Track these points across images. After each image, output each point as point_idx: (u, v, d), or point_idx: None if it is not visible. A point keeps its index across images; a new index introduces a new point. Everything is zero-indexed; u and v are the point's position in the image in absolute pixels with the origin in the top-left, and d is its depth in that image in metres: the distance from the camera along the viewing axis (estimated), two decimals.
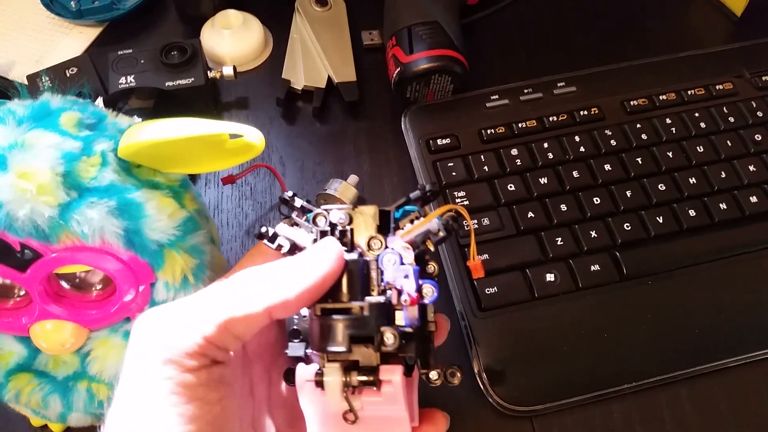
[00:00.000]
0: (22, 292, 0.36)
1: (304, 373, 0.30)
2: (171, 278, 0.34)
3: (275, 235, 0.32)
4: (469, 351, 0.43)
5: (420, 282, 0.30)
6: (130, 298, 0.34)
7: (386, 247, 0.31)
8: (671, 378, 0.42)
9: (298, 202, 0.33)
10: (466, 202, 0.47)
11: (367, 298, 0.29)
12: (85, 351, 0.36)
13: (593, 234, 0.46)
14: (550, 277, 0.44)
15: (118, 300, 0.34)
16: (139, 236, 0.32)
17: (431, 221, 0.31)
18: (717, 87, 0.53)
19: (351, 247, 0.31)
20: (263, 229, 0.32)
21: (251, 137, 0.33)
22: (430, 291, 0.31)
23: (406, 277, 0.30)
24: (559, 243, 0.45)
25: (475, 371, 0.42)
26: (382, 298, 0.29)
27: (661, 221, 0.46)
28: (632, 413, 0.42)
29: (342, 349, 0.28)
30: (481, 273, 0.34)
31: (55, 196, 0.31)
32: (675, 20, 0.62)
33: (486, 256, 0.45)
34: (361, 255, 0.31)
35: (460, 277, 0.44)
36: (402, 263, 0.30)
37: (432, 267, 0.33)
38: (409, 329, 0.29)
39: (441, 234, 0.31)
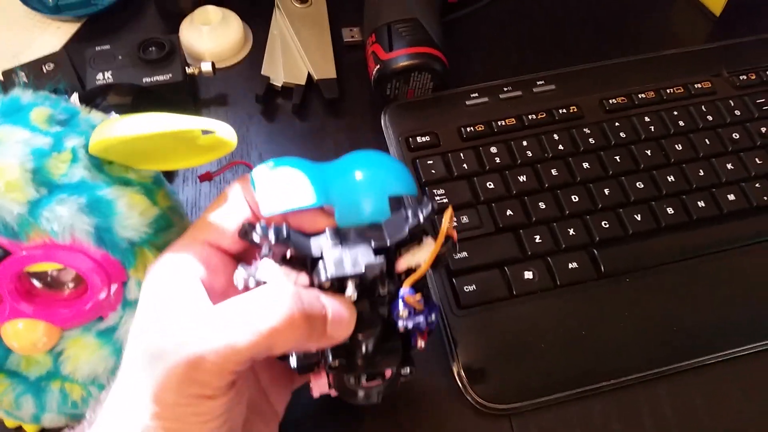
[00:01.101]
0: None
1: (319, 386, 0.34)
2: (143, 276, 0.33)
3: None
4: (448, 349, 0.42)
5: (432, 318, 0.31)
6: (102, 296, 0.34)
7: (395, 297, 0.30)
8: (649, 375, 0.42)
9: (271, 236, 0.29)
10: (446, 200, 0.47)
11: (391, 356, 0.32)
12: (58, 350, 0.36)
13: (571, 232, 0.46)
14: (528, 274, 0.44)
15: (91, 298, 0.34)
16: (110, 234, 0.32)
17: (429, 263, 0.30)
18: (696, 86, 0.53)
19: (360, 293, 0.30)
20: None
21: (223, 133, 0.32)
22: (434, 319, 0.31)
23: (419, 323, 0.31)
24: (537, 241, 0.45)
25: (454, 370, 0.42)
26: (399, 347, 0.32)
27: (639, 219, 0.46)
28: (610, 410, 0.42)
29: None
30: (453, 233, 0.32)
31: (24, 193, 0.30)
32: (654, 19, 0.62)
33: (465, 254, 0.45)
34: (373, 305, 0.31)
35: (439, 275, 0.44)
36: (412, 315, 0.31)
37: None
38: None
39: (441, 265, 0.32)
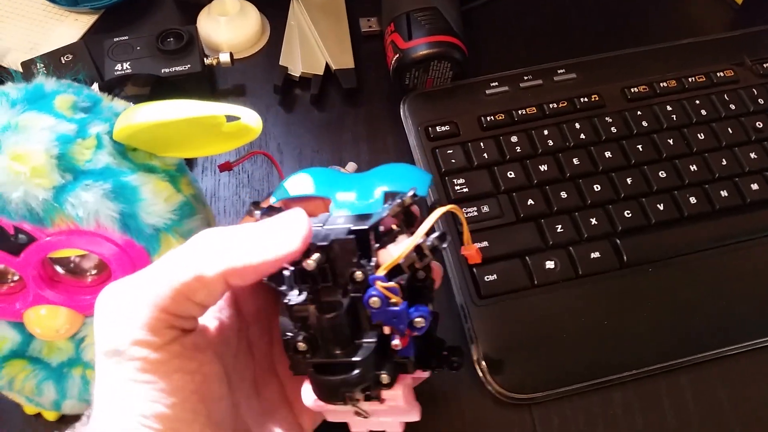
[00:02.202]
0: (16, 277, 0.35)
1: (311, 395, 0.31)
2: None
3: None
4: (468, 339, 0.42)
5: (412, 315, 0.29)
6: None
7: (369, 285, 0.29)
8: (671, 366, 0.41)
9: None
10: (466, 190, 0.47)
11: (360, 351, 0.29)
12: (80, 337, 0.36)
13: (593, 221, 0.45)
14: (549, 264, 0.44)
15: None
16: (135, 220, 0.32)
17: (412, 252, 0.29)
18: (718, 74, 0.53)
19: (334, 282, 0.29)
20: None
21: (248, 119, 0.32)
22: (421, 321, 0.29)
23: (395, 318, 0.29)
24: (559, 230, 0.45)
25: (474, 359, 0.41)
26: (372, 344, 0.29)
27: (661, 208, 0.46)
28: (632, 401, 0.41)
29: (342, 406, 0.30)
30: (477, 259, 0.34)
31: (50, 179, 0.30)
32: (676, 7, 0.61)
33: (485, 243, 0.44)
34: (345, 294, 0.29)
35: (459, 265, 0.44)
36: (388, 306, 0.28)
37: (422, 273, 0.30)
38: (404, 358, 0.29)
39: (427, 260, 0.29)
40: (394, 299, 0.28)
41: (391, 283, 0.28)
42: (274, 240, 0.28)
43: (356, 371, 0.29)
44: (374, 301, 0.28)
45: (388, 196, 0.32)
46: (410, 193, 0.31)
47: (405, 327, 0.29)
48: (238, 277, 0.27)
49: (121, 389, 0.26)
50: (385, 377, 0.29)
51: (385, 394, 0.30)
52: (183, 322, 0.27)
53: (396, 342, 0.29)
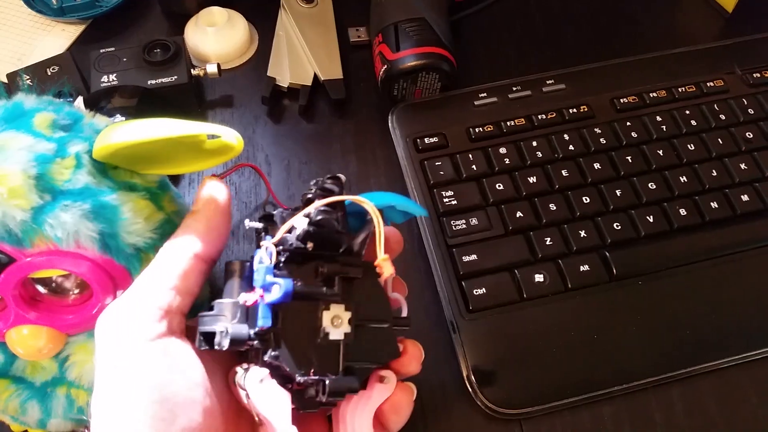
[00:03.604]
0: None
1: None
2: None
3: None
4: (457, 353, 0.42)
5: (272, 281, 0.29)
6: (108, 302, 0.33)
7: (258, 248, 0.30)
8: (662, 379, 0.41)
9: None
10: (454, 202, 0.46)
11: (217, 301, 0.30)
12: (63, 356, 0.36)
13: (582, 234, 0.45)
14: (539, 277, 0.44)
15: (96, 304, 0.33)
16: (115, 240, 0.32)
17: (297, 217, 0.30)
18: (708, 84, 0.52)
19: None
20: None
21: (228, 138, 0.32)
22: (276, 290, 0.28)
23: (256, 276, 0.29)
24: (548, 243, 0.45)
25: (464, 373, 0.41)
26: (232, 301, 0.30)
27: (651, 220, 0.46)
28: (622, 415, 0.41)
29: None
30: (390, 272, 0.31)
31: (28, 200, 0.30)
32: (665, 17, 0.61)
33: (474, 256, 0.44)
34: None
35: (448, 278, 0.44)
36: (260, 263, 0.29)
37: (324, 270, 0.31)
38: (256, 330, 0.29)
39: (306, 229, 0.30)
40: (265, 259, 0.29)
41: (269, 245, 0.30)
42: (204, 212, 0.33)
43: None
44: (256, 258, 0.30)
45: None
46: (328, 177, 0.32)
47: (258, 286, 0.29)
48: (208, 247, 0.32)
49: (118, 386, 0.28)
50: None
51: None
52: (172, 316, 0.30)
53: (246, 297, 0.29)
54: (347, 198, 0.31)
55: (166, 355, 0.29)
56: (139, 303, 0.29)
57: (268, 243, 0.30)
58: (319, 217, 0.30)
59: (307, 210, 0.30)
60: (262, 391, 0.29)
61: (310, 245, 0.30)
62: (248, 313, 0.30)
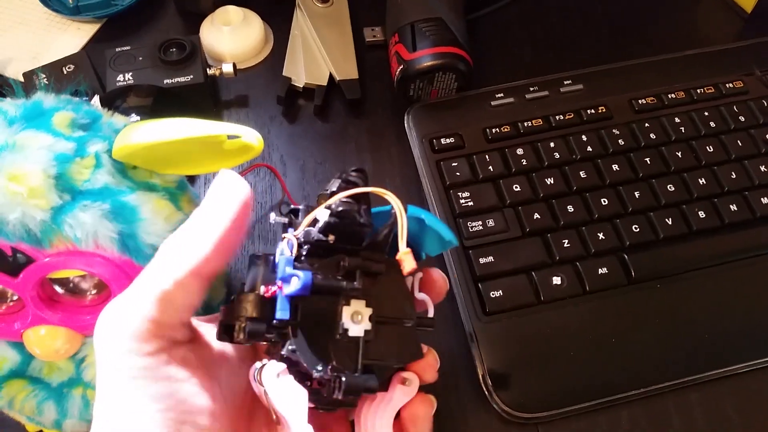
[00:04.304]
0: (15, 297, 0.35)
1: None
2: None
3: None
4: (474, 355, 0.42)
5: (292, 273, 0.28)
6: None
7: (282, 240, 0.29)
8: (680, 384, 0.41)
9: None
10: (471, 203, 0.46)
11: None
12: (80, 357, 0.36)
13: (601, 236, 0.45)
14: (556, 280, 0.43)
15: None
16: (134, 240, 0.31)
17: (320, 209, 0.29)
18: (727, 85, 0.52)
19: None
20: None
21: (249, 138, 0.32)
22: (294, 282, 0.28)
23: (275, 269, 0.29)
24: (565, 245, 0.44)
25: (480, 376, 0.41)
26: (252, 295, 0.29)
27: (670, 223, 0.45)
28: (640, 420, 0.41)
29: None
30: (411, 266, 0.30)
31: (47, 200, 0.30)
32: (684, 17, 0.61)
33: (491, 258, 0.44)
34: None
35: (464, 281, 0.43)
36: (282, 254, 0.29)
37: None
38: (273, 323, 0.28)
39: (329, 220, 0.29)
40: (286, 251, 0.28)
41: (290, 237, 0.29)
42: (217, 216, 0.28)
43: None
44: (278, 250, 0.29)
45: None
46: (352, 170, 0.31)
47: (278, 277, 0.28)
48: (208, 266, 0.28)
49: (115, 397, 0.27)
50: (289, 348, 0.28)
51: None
52: (172, 331, 0.28)
53: (265, 288, 0.28)
54: (369, 190, 0.30)
55: (163, 368, 0.27)
56: (133, 316, 0.27)
57: (290, 235, 0.29)
58: (340, 209, 0.29)
59: (329, 201, 0.29)
60: (279, 386, 0.28)
61: (331, 238, 0.29)
62: (267, 306, 0.29)
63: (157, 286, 0.27)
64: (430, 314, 0.32)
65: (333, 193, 0.30)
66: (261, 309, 0.28)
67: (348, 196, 0.29)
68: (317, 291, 0.28)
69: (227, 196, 0.29)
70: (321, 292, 0.29)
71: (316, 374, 0.28)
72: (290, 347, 0.28)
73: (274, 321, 0.28)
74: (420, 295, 0.32)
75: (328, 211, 0.29)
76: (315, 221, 0.29)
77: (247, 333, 0.28)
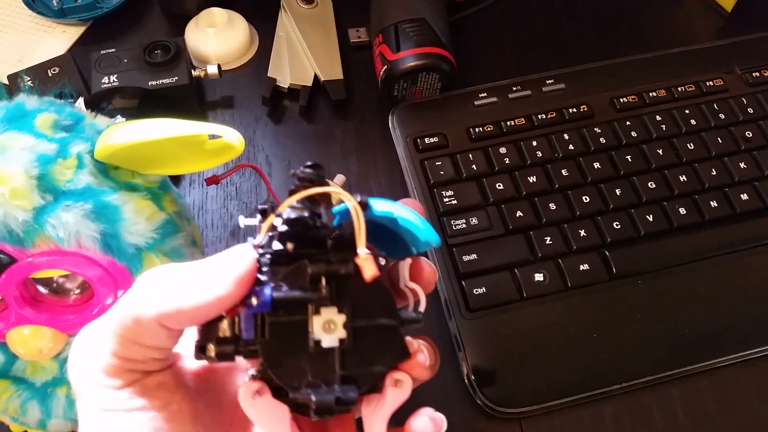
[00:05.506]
0: None
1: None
2: None
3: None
4: (457, 352, 0.42)
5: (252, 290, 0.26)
6: (109, 302, 0.34)
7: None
8: (662, 378, 0.41)
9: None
10: (454, 202, 0.46)
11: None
12: (64, 356, 0.36)
13: (582, 233, 0.45)
14: (539, 276, 0.44)
15: (97, 305, 0.34)
16: (117, 240, 0.32)
17: (273, 218, 0.26)
18: (707, 83, 0.52)
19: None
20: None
21: (230, 138, 0.32)
22: (253, 300, 0.26)
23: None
24: (548, 242, 0.45)
25: (464, 373, 0.41)
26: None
27: (651, 219, 0.46)
28: (622, 414, 0.41)
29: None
30: (371, 273, 0.27)
31: (30, 200, 0.30)
32: (665, 16, 0.61)
33: (474, 255, 0.44)
34: None
35: (448, 278, 0.44)
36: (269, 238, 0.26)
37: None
38: (238, 345, 0.26)
39: (281, 230, 0.26)
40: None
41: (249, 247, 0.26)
42: (207, 282, 0.25)
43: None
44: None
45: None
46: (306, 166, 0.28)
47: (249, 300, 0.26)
48: (173, 321, 0.25)
49: (92, 429, 0.26)
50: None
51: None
52: (142, 365, 0.26)
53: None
54: (320, 190, 0.27)
55: (138, 399, 0.26)
56: (101, 351, 0.26)
57: (248, 245, 0.26)
58: (291, 216, 0.26)
59: (280, 208, 0.26)
60: (257, 407, 0.27)
61: (290, 246, 0.27)
62: (238, 325, 0.27)
63: (122, 324, 0.25)
64: (422, 306, 0.30)
65: (291, 192, 0.27)
66: (232, 328, 0.26)
67: (300, 199, 0.27)
68: (281, 304, 0.26)
69: (229, 271, 0.25)
70: (285, 305, 0.26)
71: (291, 393, 0.27)
72: (259, 368, 0.27)
73: (239, 342, 0.26)
74: (411, 284, 0.30)
75: (280, 219, 0.27)
76: (273, 227, 0.27)
77: (216, 355, 0.26)
